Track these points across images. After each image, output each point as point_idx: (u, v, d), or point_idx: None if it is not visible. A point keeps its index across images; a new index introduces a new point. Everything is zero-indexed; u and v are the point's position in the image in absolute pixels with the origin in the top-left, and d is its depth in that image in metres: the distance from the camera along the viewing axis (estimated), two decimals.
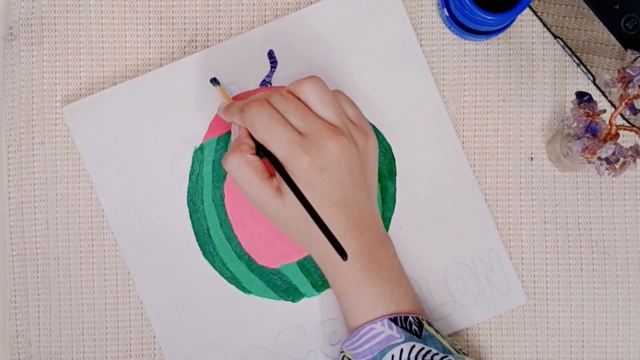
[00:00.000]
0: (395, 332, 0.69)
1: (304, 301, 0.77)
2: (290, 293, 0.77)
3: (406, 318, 0.70)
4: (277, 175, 0.70)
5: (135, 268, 0.77)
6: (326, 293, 0.77)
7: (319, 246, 0.71)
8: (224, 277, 0.77)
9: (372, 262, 0.70)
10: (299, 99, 0.70)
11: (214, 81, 0.76)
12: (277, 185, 0.70)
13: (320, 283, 0.77)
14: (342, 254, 0.66)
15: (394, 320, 0.70)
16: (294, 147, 0.67)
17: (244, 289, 0.77)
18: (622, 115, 0.77)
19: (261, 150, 0.70)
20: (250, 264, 0.77)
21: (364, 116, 0.72)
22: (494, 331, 0.78)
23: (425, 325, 0.71)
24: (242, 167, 0.69)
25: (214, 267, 0.77)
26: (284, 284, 0.77)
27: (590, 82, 0.79)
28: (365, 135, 0.70)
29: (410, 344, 0.69)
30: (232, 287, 0.77)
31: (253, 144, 0.70)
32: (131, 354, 0.78)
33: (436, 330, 0.72)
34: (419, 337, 0.69)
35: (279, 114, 0.68)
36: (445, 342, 0.71)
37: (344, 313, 0.73)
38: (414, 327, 0.70)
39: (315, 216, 0.67)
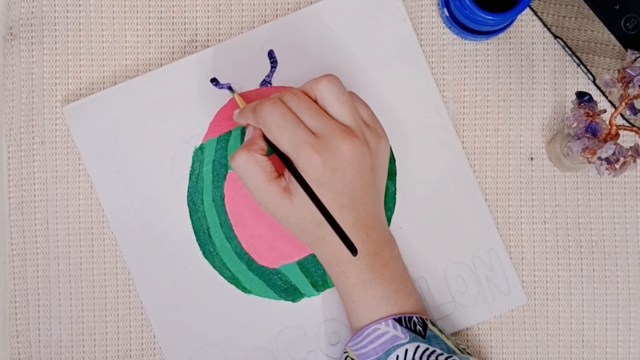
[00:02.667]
0: (399, 332, 0.69)
1: (304, 301, 0.77)
2: (290, 293, 0.77)
3: (410, 318, 0.70)
4: (286, 174, 0.69)
5: (135, 268, 0.77)
6: (326, 293, 0.77)
7: (325, 246, 0.71)
8: (224, 277, 0.77)
9: (377, 263, 0.70)
10: (314, 98, 0.69)
11: (230, 89, 0.77)
12: (284, 185, 0.69)
13: (320, 283, 0.77)
14: (352, 249, 0.66)
15: (399, 320, 0.70)
16: (306, 148, 0.67)
17: (244, 289, 0.77)
18: (622, 115, 0.77)
19: (273, 150, 0.70)
20: (250, 263, 0.77)
21: (377, 118, 0.72)
22: (494, 331, 0.78)
23: (430, 325, 0.71)
24: (249, 166, 0.69)
25: (214, 267, 0.77)
26: (284, 284, 0.77)
27: (590, 82, 0.79)
28: (378, 137, 0.70)
29: (415, 344, 0.69)
30: (232, 287, 0.77)
31: (264, 146, 0.70)
32: (131, 354, 0.78)
33: (440, 330, 0.72)
34: (423, 337, 0.69)
35: (292, 113, 0.68)
36: (449, 342, 0.71)
37: (348, 313, 0.73)
38: (418, 327, 0.70)
39: (326, 213, 0.67)
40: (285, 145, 0.68)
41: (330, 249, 0.70)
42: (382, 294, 0.70)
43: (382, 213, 0.72)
